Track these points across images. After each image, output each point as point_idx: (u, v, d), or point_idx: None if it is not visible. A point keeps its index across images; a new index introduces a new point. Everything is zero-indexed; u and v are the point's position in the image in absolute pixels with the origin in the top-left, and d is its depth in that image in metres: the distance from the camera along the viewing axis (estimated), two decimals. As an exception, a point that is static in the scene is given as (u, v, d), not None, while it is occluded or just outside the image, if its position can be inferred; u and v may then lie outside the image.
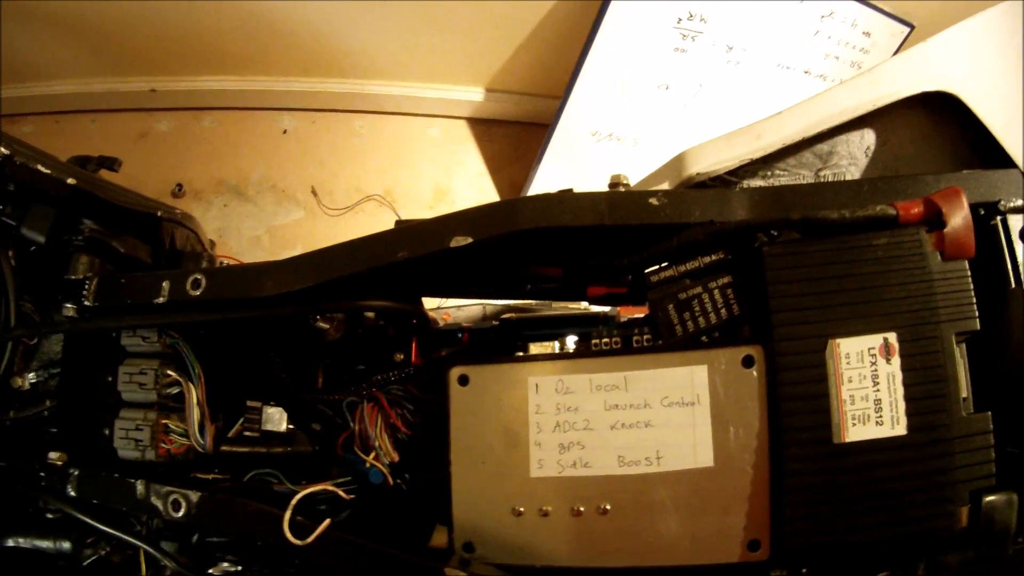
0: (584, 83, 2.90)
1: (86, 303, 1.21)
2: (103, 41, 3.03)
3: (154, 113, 3.42)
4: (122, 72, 3.27)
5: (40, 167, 1.26)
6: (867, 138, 1.32)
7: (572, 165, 3.17)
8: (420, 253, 1.07)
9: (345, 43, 3.09)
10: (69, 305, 1.22)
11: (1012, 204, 1.04)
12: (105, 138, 3.35)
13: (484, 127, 3.51)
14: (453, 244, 1.05)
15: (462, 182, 3.43)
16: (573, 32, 2.84)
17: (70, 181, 1.28)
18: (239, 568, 1.21)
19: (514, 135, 3.51)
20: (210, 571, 1.20)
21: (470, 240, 1.05)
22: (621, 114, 3.06)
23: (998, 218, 1.04)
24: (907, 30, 2.96)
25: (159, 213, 1.47)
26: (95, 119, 3.41)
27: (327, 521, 1.07)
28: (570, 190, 1.08)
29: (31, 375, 1.24)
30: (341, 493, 1.12)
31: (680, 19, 2.72)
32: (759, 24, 2.81)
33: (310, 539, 1.05)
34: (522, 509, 1.03)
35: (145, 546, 1.17)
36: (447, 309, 1.40)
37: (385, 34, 3.03)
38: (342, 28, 2.99)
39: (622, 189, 1.12)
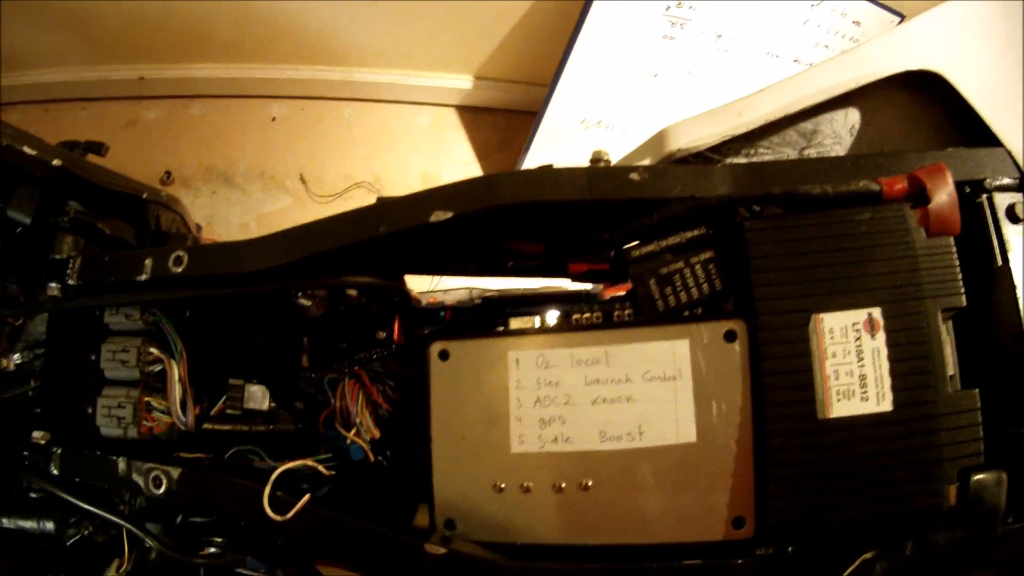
0: (572, 71, 2.90)
1: (70, 282, 1.21)
2: (92, 29, 3.03)
3: (143, 101, 3.41)
4: (111, 60, 3.26)
5: (26, 148, 1.26)
6: (851, 117, 1.31)
7: (560, 153, 3.17)
8: (401, 228, 1.07)
9: (334, 31, 3.09)
10: (53, 285, 1.22)
11: (998, 183, 1.05)
12: (94, 126, 3.34)
13: (472, 115, 3.50)
14: (433, 219, 1.05)
15: (451, 170, 3.43)
16: (561, 19, 2.84)
17: (55, 163, 1.28)
18: (224, 549, 1.20)
19: (502, 123, 3.51)
20: (200, 553, 1.19)
21: (450, 214, 1.05)
22: (609, 102, 3.05)
23: (984, 196, 1.04)
24: (897, 20, 2.96)
25: (144, 195, 1.46)
26: (84, 107, 3.40)
27: (307, 496, 1.06)
28: (550, 165, 1.07)
29: (16, 356, 1.24)
30: (321, 469, 1.12)
31: (668, 6, 2.72)
32: (748, 12, 2.81)
33: (290, 514, 1.05)
34: (503, 485, 1.02)
35: (128, 525, 1.17)
36: (433, 293, 1.39)
37: (374, 22, 3.03)
38: (331, 16, 2.99)
39: (603, 165, 1.12)
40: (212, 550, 1.18)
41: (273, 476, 1.06)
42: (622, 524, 1.00)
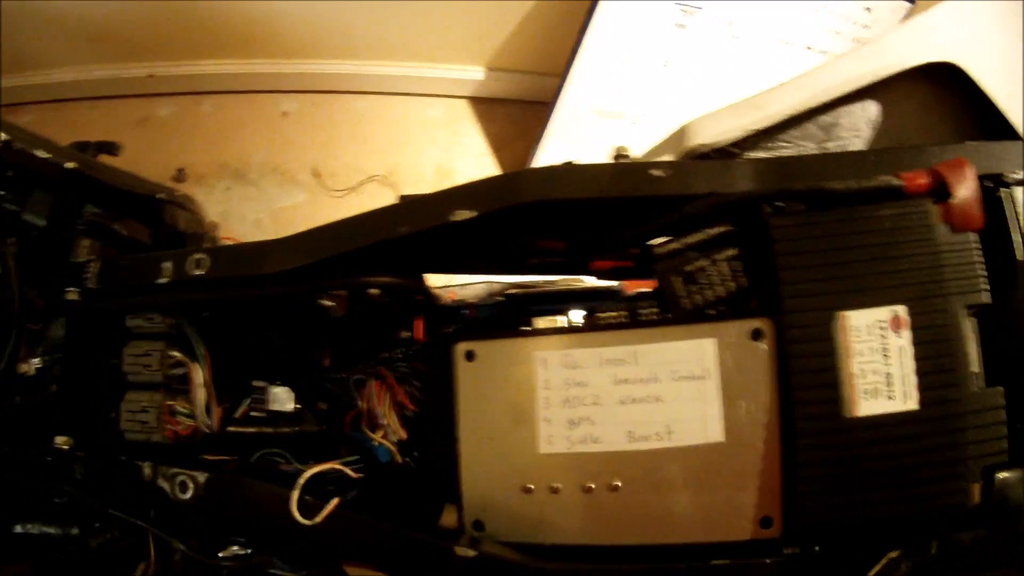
0: (584, 60, 2.89)
1: (89, 286, 1.21)
2: (101, 27, 3.03)
3: (154, 98, 3.41)
4: (121, 58, 3.26)
5: (39, 152, 1.26)
6: (870, 110, 1.31)
7: (574, 143, 3.16)
8: (422, 228, 1.07)
9: (344, 23, 3.09)
10: (72, 289, 1.22)
11: (1017, 176, 1.03)
12: (105, 125, 3.34)
13: (485, 106, 3.50)
14: (455, 218, 1.05)
15: (464, 161, 3.42)
16: (572, 9, 2.83)
17: (69, 165, 1.28)
18: (248, 551, 1.20)
19: (516, 113, 3.50)
20: (219, 554, 1.19)
21: (473, 214, 1.05)
22: (622, 91, 3.04)
23: (1003, 190, 1.03)
24: (908, 6, 2.95)
25: (159, 195, 1.47)
26: (95, 106, 3.40)
27: (335, 500, 1.06)
28: (571, 162, 1.07)
29: (36, 361, 1.23)
30: (349, 472, 1.12)
31: (680, -6, 2.72)
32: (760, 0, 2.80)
33: (319, 518, 1.05)
34: (532, 486, 1.02)
35: (153, 529, 1.17)
36: (452, 288, 1.39)
37: (384, 14, 3.02)
38: (341, 9, 2.98)
39: (625, 161, 1.12)
40: (236, 550, 1.18)
41: (301, 480, 1.06)
42: (650, 524, 1.00)
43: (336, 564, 1.23)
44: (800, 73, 1.26)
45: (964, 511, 0.92)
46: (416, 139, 3.43)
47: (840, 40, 2.99)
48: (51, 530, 1.23)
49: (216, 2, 2.92)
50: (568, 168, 1.06)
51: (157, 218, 1.45)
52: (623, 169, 1.06)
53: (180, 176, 3.27)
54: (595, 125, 3.14)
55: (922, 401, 0.92)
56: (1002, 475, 0.92)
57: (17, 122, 1.30)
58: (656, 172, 1.05)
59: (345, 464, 1.14)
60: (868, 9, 2.91)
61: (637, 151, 1.25)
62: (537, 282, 1.38)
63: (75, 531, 1.23)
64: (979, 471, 0.92)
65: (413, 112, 3.46)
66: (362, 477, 1.16)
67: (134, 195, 1.40)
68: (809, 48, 2.99)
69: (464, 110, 3.50)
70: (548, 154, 3.18)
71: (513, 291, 1.35)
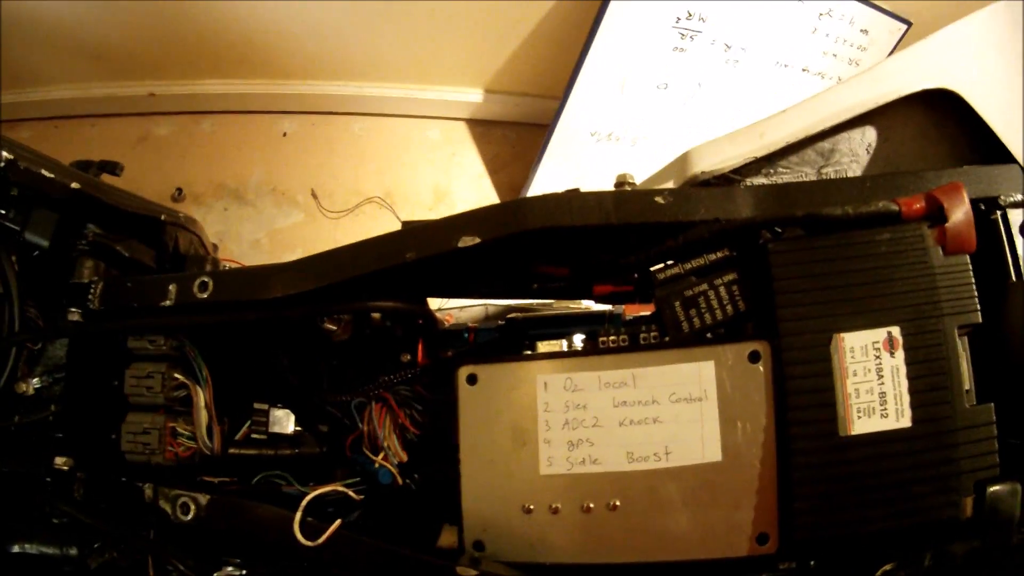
0: (583, 83, 2.90)
1: (92, 307, 1.22)
2: (102, 45, 3.03)
3: (153, 117, 3.41)
4: (121, 76, 3.26)
5: (44, 171, 1.26)
6: (868, 135, 1.32)
7: (572, 165, 3.17)
8: (428, 254, 1.08)
9: (343, 45, 3.09)
10: (74, 309, 1.22)
11: (1012, 199, 1.06)
12: (104, 143, 3.34)
13: (483, 128, 3.50)
14: (461, 244, 1.06)
15: (462, 183, 3.43)
16: (572, 32, 2.84)
17: (74, 185, 1.28)
18: (243, 572, 1.20)
19: (513, 136, 3.51)
20: (214, 574, 1.20)
21: (478, 240, 1.06)
22: (620, 114, 3.06)
23: (998, 213, 1.05)
24: (904, 27, 2.97)
25: (162, 217, 1.47)
26: (94, 124, 3.40)
27: (338, 522, 1.07)
28: (576, 190, 1.08)
29: (35, 380, 1.23)
30: (351, 494, 1.13)
31: (679, 18, 2.72)
32: (758, 23, 2.81)
33: (321, 540, 1.06)
34: (532, 507, 1.03)
35: (153, 549, 1.17)
36: (449, 310, 1.40)
37: (383, 36, 3.03)
38: (340, 30, 2.99)
39: (628, 188, 1.13)
40: (230, 570, 1.18)
41: (304, 502, 1.07)
42: (649, 542, 1.01)
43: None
44: (799, 100, 1.27)
45: (957, 524, 0.94)
46: (414, 161, 3.44)
47: (836, 62, 3.01)
48: (50, 550, 1.23)
49: (217, 22, 2.93)
50: (573, 195, 1.07)
51: (160, 240, 1.45)
52: (627, 196, 1.08)
53: (178, 195, 3.27)
54: (593, 147, 3.15)
55: (915, 419, 0.94)
56: (993, 488, 0.93)
57: (15, 139, 1.30)
58: (659, 199, 1.06)
59: (346, 486, 1.14)
60: (864, 31, 2.93)
61: (635, 174, 1.26)
62: (536, 305, 1.39)
63: (74, 551, 1.23)
64: (971, 485, 0.94)
65: (411, 134, 3.47)
66: (364, 499, 1.17)
67: (138, 216, 1.40)
68: (805, 70, 3.01)
69: (462, 132, 3.50)
70: (546, 176, 3.19)
71: (513, 315, 1.36)
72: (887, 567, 0.96)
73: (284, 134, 3.43)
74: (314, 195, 3.32)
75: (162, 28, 2.93)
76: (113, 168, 1.53)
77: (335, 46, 3.09)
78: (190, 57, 3.15)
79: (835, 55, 3.00)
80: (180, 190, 3.28)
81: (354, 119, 3.44)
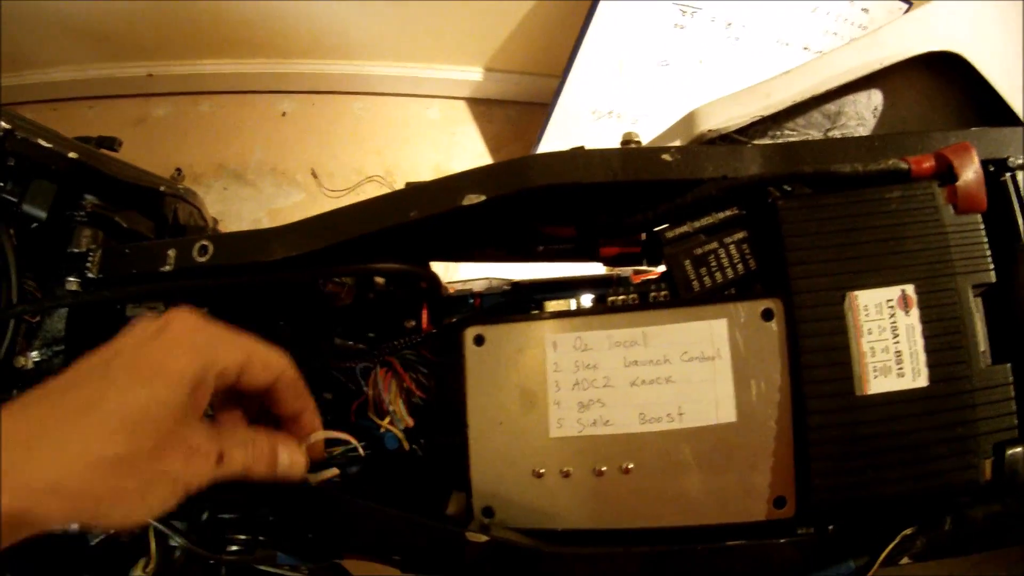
0: (583, 61, 2.90)
1: (90, 275, 1.20)
2: (99, 27, 3.03)
3: (152, 98, 3.41)
4: (119, 58, 3.26)
5: (41, 141, 1.25)
6: (874, 98, 1.32)
7: (572, 144, 3.14)
8: (432, 212, 1.06)
9: (343, 24, 3.09)
10: (72, 279, 1.20)
11: (1021, 161, 1.04)
12: (103, 124, 3.35)
13: (484, 107, 3.50)
14: (466, 202, 1.04)
15: (462, 162, 3.43)
16: (571, 10, 2.84)
17: (71, 155, 1.27)
18: (252, 546, 1.19)
19: (514, 115, 3.50)
20: (228, 548, 1.18)
21: (483, 197, 1.04)
22: (621, 92, 3.05)
23: (1007, 175, 1.04)
24: (905, 7, 2.96)
25: (162, 188, 1.46)
26: (93, 106, 3.41)
27: (335, 470, 1.08)
28: (582, 147, 1.07)
29: (34, 353, 1.22)
30: (354, 441, 1.10)
31: (679, -6, 2.72)
32: (758, 1, 2.80)
33: (321, 477, 1.07)
34: (543, 471, 1.01)
35: (155, 523, 1.16)
36: (452, 284, 1.38)
37: (382, 15, 3.03)
38: (339, 9, 2.98)
39: (634, 146, 1.12)
40: (237, 548, 1.17)
41: (311, 439, 1.04)
42: (663, 507, 0.99)
43: (338, 559, 1.22)
44: (807, 61, 1.26)
45: (976, 487, 0.92)
46: (414, 140, 3.44)
47: (837, 41, 3.00)
48: (49, 525, 1.22)
49: (215, 2, 2.92)
50: (578, 152, 1.06)
51: (159, 211, 1.44)
52: (634, 153, 1.06)
53: (177, 176, 3.26)
54: (594, 126, 3.15)
55: (932, 378, 0.92)
56: (1012, 451, 0.92)
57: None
58: (666, 156, 1.05)
59: (350, 450, 1.13)
60: (865, 10, 2.92)
61: (646, 142, 1.25)
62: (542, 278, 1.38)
63: (74, 526, 1.22)
64: (990, 447, 0.92)
65: (411, 113, 3.47)
66: (369, 460, 1.15)
67: (137, 187, 1.39)
68: (807, 49, 3.00)
69: (462, 111, 3.50)
70: (551, 152, 3.19)
71: (519, 281, 1.34)
72: (907, 531, 0.94)
73: (283, 114, 3.43)
74: (314, 174, 3.32)
75: (160, 8, 2.93)
76: (111, 144, 1.51)
77: (334, 25, 3.09)
78: (188, 37, 3.15)
79: (836, 33, 2.99)
80: (179, 171, 3.27)
81: (354, 98, 3.45)
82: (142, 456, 0.74)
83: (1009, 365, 0.95)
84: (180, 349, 0.79)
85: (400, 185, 1.21)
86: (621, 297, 1.08)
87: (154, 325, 0.81)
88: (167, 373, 0.77)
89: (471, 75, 3.38)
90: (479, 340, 1.06)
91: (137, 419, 0.73)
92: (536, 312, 1.11)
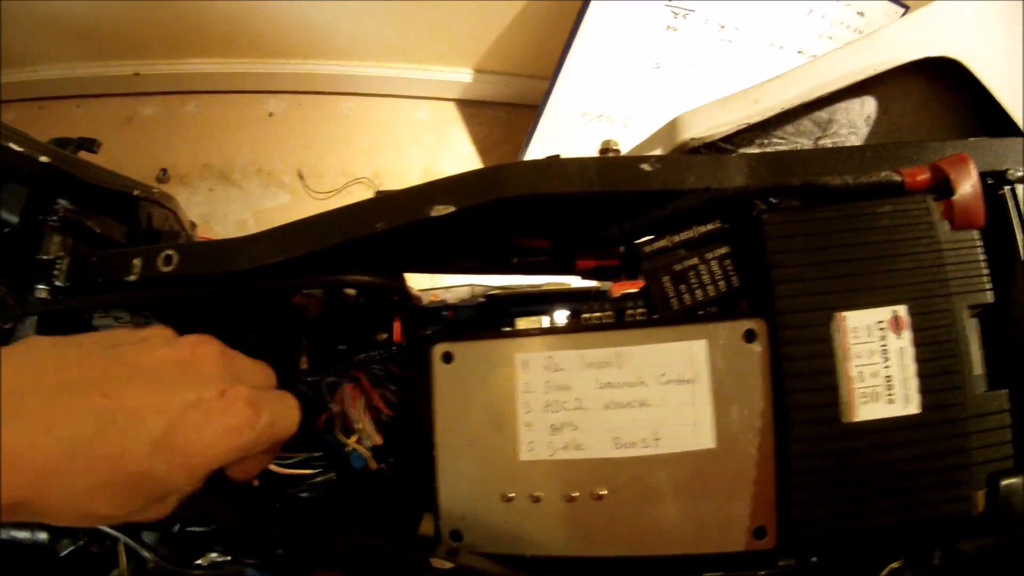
0: (574, 63, 2.89)
1: (58, 283, 1.17)
2: (86, 25, 3.02)
3: (139, 97, 3.41)
4: (106, 56, 3.26)
5: (12, 145, 1.22)
6: (867, 106, 1.28)
7: (562, 146, 3.16)
8: (400, 223, 1.02)
9: (331, 25, 3.08)
10: (41, 286, 1.18)
11: (1020, 173, 1.00)
12: (90, 123, 3.35)
13: (473, 108, 3.50)
14: (434, 213, 1.01)
15: (451, 164, 3.42)
16: (562, 11, 2.83)
17: (43, 159, 1.24)
18: (228, 558, 1.16)
19: (503, 116, 3.50)
20: (197, 561, 1.16)
21: (452, 208, 1.00)
22: (611, 94, 3.05)
23: (1006, 188, 1.00)
24: (901, 11, 2.95)
25: (136, 192, 1.43)
26: (79, 104, 3.41)
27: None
28: (557, 156, 1.03)
29: (6, 360, 1.19)
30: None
31: (671, -4, 2.71)
32: (752, 2, 2.80)
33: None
34: (512, 495, 0.98)
35: (123, 537, 1.13)
36: (435, 290, 1.35)
37: (371, 15, 3.02)
38: (328, 9, 2.98)
39: (612, 155, 1.08)
40: (213, 556, 1.15)
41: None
42: (637, 535, 0.96)
43: (310, 572, 1.20)
44: (797, 66, 1.23)
45: (968, 519, 0.89)
46: (402, 141, 3.43)
47: (832, 45, 3.00)
48: (20, 535, 1.19)
49: (203, 1, 2.91)
50: (553, 161, 1.02)
51: (134, 216, 1.41)
52: (611, 163, 1.02)
53: (163, 176, 3.26)
54: (584, 128, 3.14)
55: (924, 404, 0.89)
56: (1007, 482, 0.88)
57: (-1, 120, 1.27)
58: (645, 166, 1.01)
59: (314, 466, 1.11)
60: (861, 13, 2.91)
61: (626, 149, 1.22)
62: (521, 286, 1.35)
63: (43, 536, 1.19)
64: (983, 478, 0.89)
65: (400, 114, 3.46)
66: (335, 482, 1.13)
67: (110, 191, 1.36)
68: (801, 52, 3.00)
69: (451, 112, 3.50)
70: (535, 156, 3.18)
71: (495, 292, 1.31)
72: (894, 565, 0.91)
73: (270, 114, 3.42)
74: (301, 176, 3.31)
75: (148, 7, 2.93)
76: (91, 145, 1.49)
77: (323, 25, 3.09)
78: (175, 36, 3.15)
79: (831, 37, 2.98)
80: (165, 171, 3.28)
81: (341, 99, 3.44)
82: None
83: (1006, 391, 0.91)
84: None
85: (388, 187, 1.18)
86: (596, 314, 1.04)
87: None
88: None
89: (461, 76, 3.37)
90: (447, 357, 1.03)
91: None
92: (507, 329, 1.08)
